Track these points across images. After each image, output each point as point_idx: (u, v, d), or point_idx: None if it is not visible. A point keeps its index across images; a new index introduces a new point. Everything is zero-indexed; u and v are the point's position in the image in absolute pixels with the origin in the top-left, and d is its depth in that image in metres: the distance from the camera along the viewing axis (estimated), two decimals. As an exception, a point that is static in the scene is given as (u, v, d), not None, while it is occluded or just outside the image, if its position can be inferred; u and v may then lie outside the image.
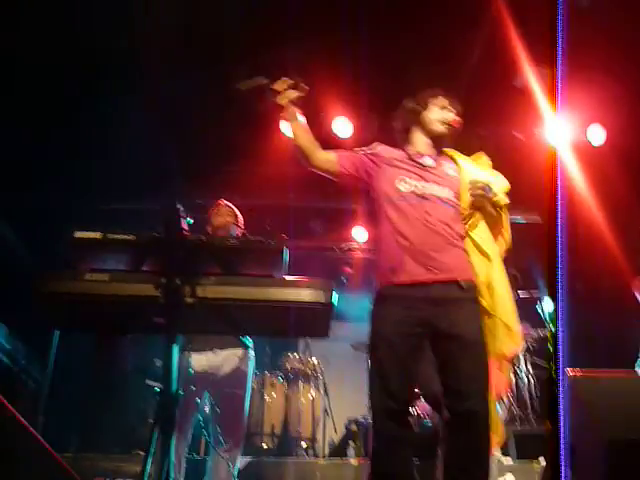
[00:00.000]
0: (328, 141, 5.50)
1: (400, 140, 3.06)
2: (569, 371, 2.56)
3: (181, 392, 2.45)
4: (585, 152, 5.49)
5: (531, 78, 4.87)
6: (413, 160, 2.93)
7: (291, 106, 2.94)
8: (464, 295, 2.70)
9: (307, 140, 2.93)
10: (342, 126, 5.66)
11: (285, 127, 2.98)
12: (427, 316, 2.65)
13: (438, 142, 3.01)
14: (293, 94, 2.94)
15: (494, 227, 2.92)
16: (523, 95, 5.00)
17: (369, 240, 6.97)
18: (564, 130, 5.52)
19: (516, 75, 4.94)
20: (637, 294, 4.90)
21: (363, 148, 3.05)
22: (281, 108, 2.95)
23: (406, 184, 2.83)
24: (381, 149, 3.02)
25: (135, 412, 4.80)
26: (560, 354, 3.87)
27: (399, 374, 2.63)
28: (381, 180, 2.88)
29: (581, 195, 5.40)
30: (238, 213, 3.65)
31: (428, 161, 2.94)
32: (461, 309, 2.67)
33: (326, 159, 2.96)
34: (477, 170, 2.97)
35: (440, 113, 2.98)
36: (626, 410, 2.31)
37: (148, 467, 2.21)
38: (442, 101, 3.00)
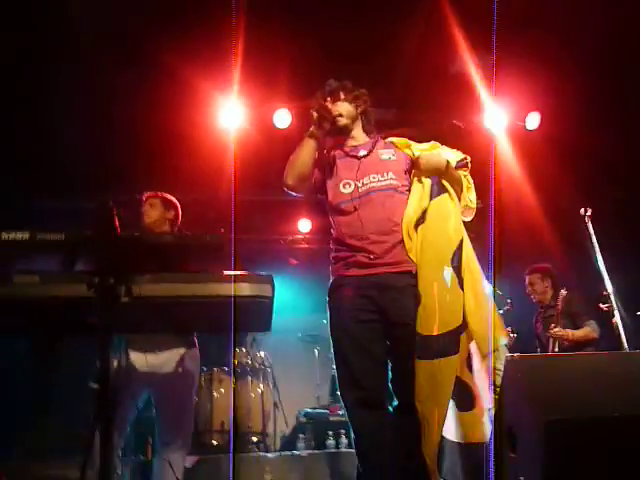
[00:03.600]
0: (269, 132, 5.54)
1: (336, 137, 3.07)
2: (507, 355, 2.60)
3: (119, 391, 2.38)
4: (520, 138, 5.60)
5: (470, 65, 4.93)
6: (349, 156, 2.97)
7: (323, 128, 2.90)
8: (414, 282, 2.74)
9: (308, 165, 2.88)
10: (282, 117, 5.61)
11: (307, 143, 2.89)
12: (379, 302, 2.70)
13: (364, 129, 3.04)
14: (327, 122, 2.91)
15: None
16: (462, 82, 5.05)
17: (313, 231, 6.96)
18: (500, 116, 5.61)
19: (455, 62, 4.98)
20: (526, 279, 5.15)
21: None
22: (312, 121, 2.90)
23: (349, 186, 2.87)
24: (326, 153, 3.04)
25: (78, 416, 4.66)
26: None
27: (365, 362, 2.65)
28: (329, 188, 2.94)
29: (517, 180, 5.52)
30: (174, 207, 3.53)
31: (362, 152, 2.97)
32: (411, 297, 2.72)
33: (309, 185, 2.97)
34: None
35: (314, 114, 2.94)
36: (562, 390, 2.36)
37: (88, 469, 2.15)
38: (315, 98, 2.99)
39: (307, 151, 2.86)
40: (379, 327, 2.69)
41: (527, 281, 5.22)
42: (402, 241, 2.78)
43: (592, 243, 3.92)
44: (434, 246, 2.77)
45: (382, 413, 2.65)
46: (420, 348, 2.60)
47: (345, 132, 3.01)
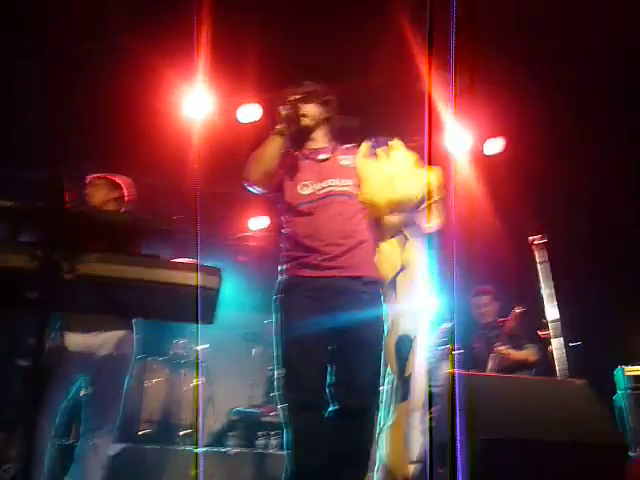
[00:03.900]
0: (233, 125, 5.49)
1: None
2: (452, 372, 2.63)
3: (52, 371, 2.31)
4: (480, 161, 5.69)
5: (430, 85, 4.98)
6: (309, 158, 2.97)
7: (290, 126, 2.88)
8: (367, 289, 2.75)
9: (274, 162, 2.84)
10: (248, 111, 5.56)
11: (274, 140, 2.86)
12: (330, 306, 2.68)
13: (326, 134, 3.04)
14: (299, 119, 2.91)
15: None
16: (423, 101, 5.10)
17: (264, 229, 6.92)
18: (461, 138, 5.69)
19: (417, 81, 5.03)
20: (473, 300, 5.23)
21: None
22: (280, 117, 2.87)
23: (307, 188, 2.86)
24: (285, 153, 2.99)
25: (6, 394, 4.53)
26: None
27: (309, 364, 2.63)
28: (287, 188, 2.91)
29: (475, 201, 5.61)
30: (119, 187, 3.41)
31: (322, 156, 2.97)
32: (362, 304, 2.71)
33: (274, 183, 2.92)
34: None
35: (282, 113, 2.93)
36: (497, 410, 2.40)
37: (14, 448, 2.08)
38: (282, 96, 2.98)
39: (273, 148, 2.84)
40: (325, 331, 2.67)
41: (477, 302, 5.25)
42: (356, 247, 2.78)
43: (537, 270, 4.01)
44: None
45: (321, 416, 2.64)
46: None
47: (306, 133, 3.00)
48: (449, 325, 4.81)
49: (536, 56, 4.80)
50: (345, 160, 2.98)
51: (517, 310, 4.91)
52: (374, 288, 2.80)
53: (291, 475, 2.58)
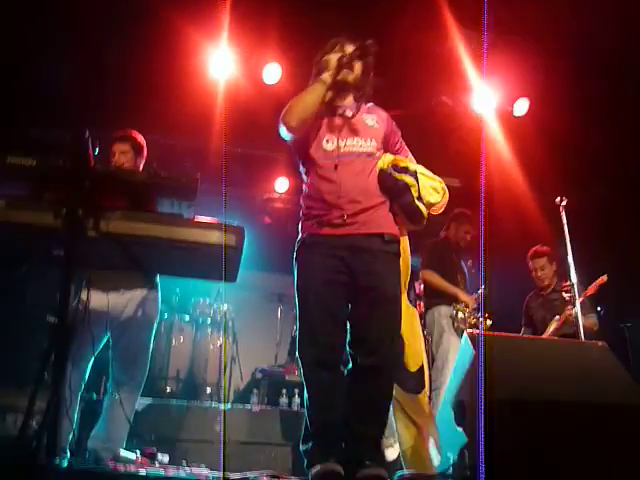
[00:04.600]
0: (258, 87, 5.46)
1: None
2: (475, 332, 2.63)
3: (77, 329, 2.36)
4: (508, 121, 5.59)
5: (460, 45, 4.89)
6: (335, 114, 2.91)
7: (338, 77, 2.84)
8: (386, 248, 2.75)
9: (314, 110, 2.80)
10: (272, 72, 5.51)
11: (318, 88, 2.83)
12: (350, 264, 2.68)
13: (356, 91, 2.97)
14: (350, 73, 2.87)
15: None
16: (452, 61, 5.00)
17: (290, 191, 6.91)
18: (490, 98, 5.58)
19: (445, 41, 4.93)
20: (529, 264, 5.08)
21: None
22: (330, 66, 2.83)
23: (332, 144, 2.83)
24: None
25: (35, 349, 4.63)
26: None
27: (327, 322, 2.64)
28: (311, 140, 2.87)
29: (503, 162, 5.53)
30: (143, 150, 3.41)
31: (348, 113, 2.92)
32: (382, 262, 2.72)
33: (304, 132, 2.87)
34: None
35: (333, 56, 2.88)
36: (517, 371, 2.40)
37: (36, 400, 2.13)
38: (337, 50, 2.91)
39: (317, 96, 2.79)
40: (345, 289, 2.68)
41: (534, 265, 5.04)
42: (376, 205, 2.77)
43: (564, 233, 3.95)
44: None
45: (338, 374, 2.67)
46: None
47: (344, 89, 2.93)
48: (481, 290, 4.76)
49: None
50: (370, 120, 2.94)
51: (604, 277, 4.64)
52: (393, 246, 2.78)
53: (309, 431, 2.62)
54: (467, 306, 4.68)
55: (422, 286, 5.01)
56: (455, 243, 5.09)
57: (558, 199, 4.11)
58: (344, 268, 2.68)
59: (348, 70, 2.86)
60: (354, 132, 2.87)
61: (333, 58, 2.85)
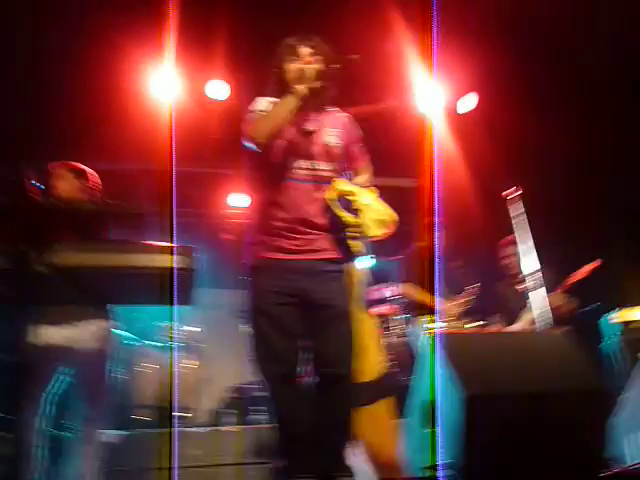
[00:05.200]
0: (203, 103, 5.43)
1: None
2: (431, 331, 2.65)
3: (34, 366, 2.31)
4: (455, 118, 5.66)
5: (406, 44, 4.94)
6: (296, 125, 2.79)
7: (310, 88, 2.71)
8: (334, 268, 2.78)
9: (285, 124, 2.69)
10: (217, 88, 5.50)
11: (291, 101, 2.69)
12: (301, 286, 2.70)
13: (318, 96, 2.81)
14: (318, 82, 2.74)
15: None
16: (398, 61, 5.06)
17: (248, 207, 6.87)
18: (436, 97, 5.65)
19: (392, 39, 4.97)
20: (501, 255, 5.14)
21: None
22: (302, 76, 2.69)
23: (295, 164, 2.76)
24: None
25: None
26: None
27: (282, 339, 2.65)
28: (276, 156, 2.76)
29: (451, 159, 5.59)
30: (85, 174, 3.27)
31: (310, 127, 2.83)
32: (332, 280, 2.76)
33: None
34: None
35: (294, 66, 2.77)
36: (482, 366, 2.42)
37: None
38: (293, 51, 2.80)
39: (288, 109, 2.67)
40: (299, 309, 2.70)
41: (505, 252, 5.10)
42: (327, 232, 2.77)
43: (512, 224, 4.00)
44: None
45: (301, 388, 2.69)
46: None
47: (310, 99, 2.74)
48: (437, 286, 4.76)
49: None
50: (332, 137, 2.85)
51: (597, 262, 4.72)
52: (338, 266, 2.80)
53: (281, 447, 2.61)
54: (451, 315, 4.68)
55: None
56: None
57: (505, 192, 4.15)
58: (295, 290, 2.69)
59: (316, 77, 2.73)
60: (315, 154, 2.80)
61: (307, 70, 2.72)
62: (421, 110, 5.70)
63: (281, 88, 2.80)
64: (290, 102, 2.68)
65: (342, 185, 2.81)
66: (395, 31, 4.78)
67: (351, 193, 2.79)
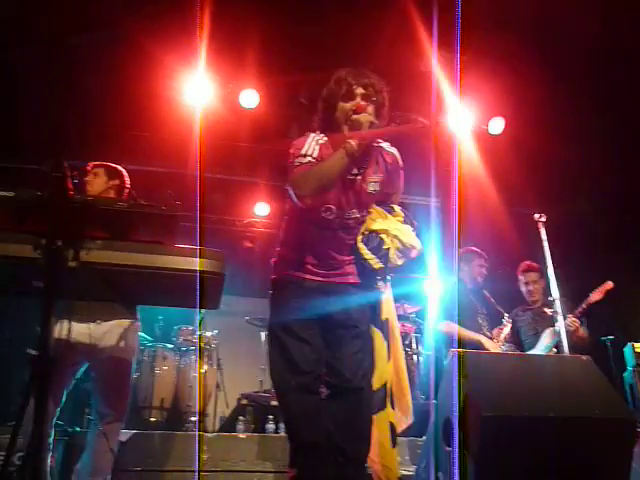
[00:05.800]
0: (235, 111, 5.48)
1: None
2: (452, 350, 2.65)
3: (57, 360, 2.33)
4: (484, 140, 5.67)
5: (436, 65, 4.96)
6: (343, 177, 2.68)
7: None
8: (359, 291, 2.84)
9: (334, 183, 2.62)
10: (249, 97, 5.55)
11: (344, 160, 2.59)
12: (326, 306, 2.74)
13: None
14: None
15: None
16: (428, 81, 5.08)
17: (270, 215, 6.92)
18: (465, 117, 5.66)
19: (422, 60, 5.00)
20: (520, 278, 5.08)
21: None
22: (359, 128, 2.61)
23: (331, 212, 2.72)
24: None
25: (15, 382, 4.57)
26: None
27: (302, 352, 2.68)
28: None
29: (479, 181, 5.59)
30: (119, 175, 3.40)
31: (354, 171, 2.73)
32: (356, 303, 2.81)
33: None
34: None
35: (347, 105, 2.69)
36: (501, 388, 2.41)
37: (17, 436, 2.09)
38: (345, 88, 2.70)
39: (340, 169, 2.58)
40: (321, 326, 2.74)
41: (526, 279, 5.00)
42: (353, 261, 2.82)
43: (543, 248, 3.98)
44: None
45: (320, 399, 2.71)
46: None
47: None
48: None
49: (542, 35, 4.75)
50: (372, 183, 2.77)
51: (610, 283, 4.57)
52: (362, 290, 2.85)
53: (297, 456, 2.62)
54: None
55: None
56: (470, 282, 4.84)
57: (537, 215, 4.13)
58: (318, 308, 2.73)
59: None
60: (356, 203, 2.78)
61: (364, 120, 2.63)
62: (451, 129, 5.71)
63: (330, 125, 2.75)
64: (341, 162, 2.57)
65: (373, 225, 2.82)
66: (426, 52, 4.80)
67: (382, 231, 2.80)
